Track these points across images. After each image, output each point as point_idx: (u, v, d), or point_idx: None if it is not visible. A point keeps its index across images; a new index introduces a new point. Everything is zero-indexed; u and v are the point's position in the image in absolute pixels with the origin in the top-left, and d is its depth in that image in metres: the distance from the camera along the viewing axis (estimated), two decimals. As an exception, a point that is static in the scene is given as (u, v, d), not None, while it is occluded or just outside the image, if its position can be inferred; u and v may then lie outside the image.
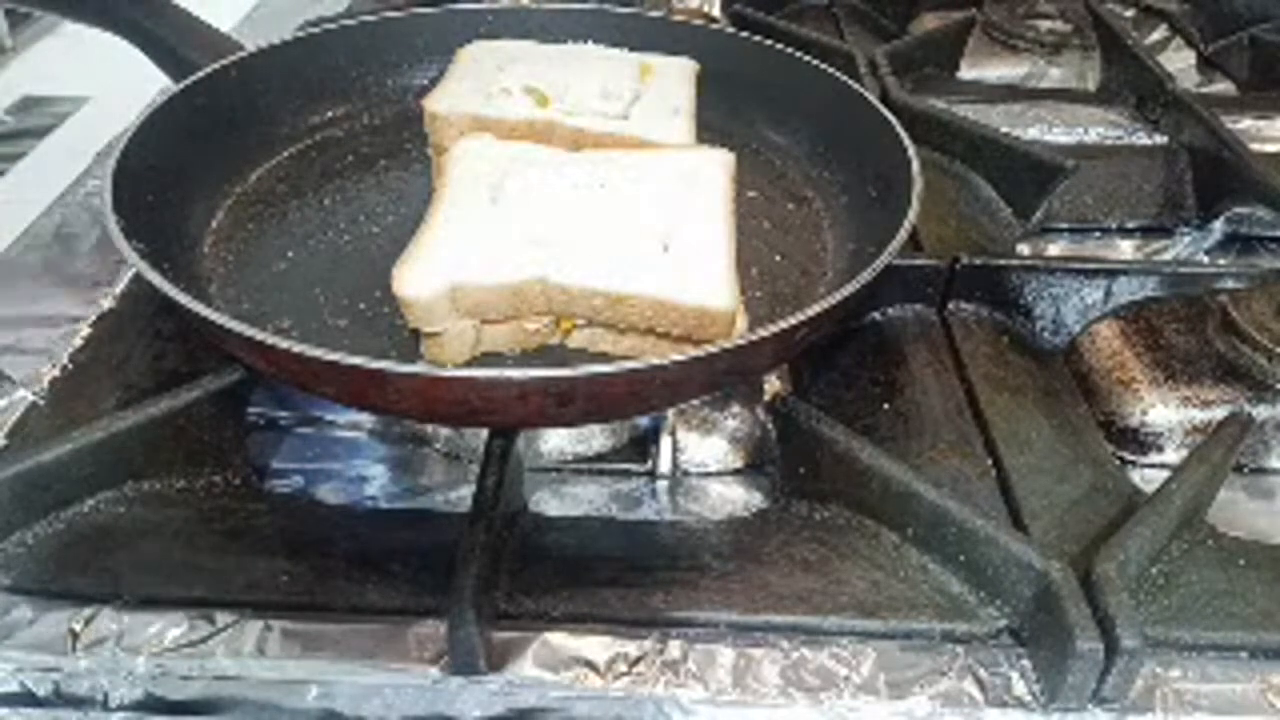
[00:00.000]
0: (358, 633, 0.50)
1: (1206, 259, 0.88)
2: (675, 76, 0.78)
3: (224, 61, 0.76)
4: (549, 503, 0.62)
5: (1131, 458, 0.66)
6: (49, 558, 0.53)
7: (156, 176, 0.66)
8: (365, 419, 0.67)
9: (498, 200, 0.62)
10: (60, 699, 0.50)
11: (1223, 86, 1.17)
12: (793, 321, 0.52)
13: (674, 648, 0.50)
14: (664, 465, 0.64)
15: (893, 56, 1.03)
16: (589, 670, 0.49)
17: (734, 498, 0.64)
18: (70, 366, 0.66)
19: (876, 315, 0.72)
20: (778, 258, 0.70)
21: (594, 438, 0.65)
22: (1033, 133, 0.97)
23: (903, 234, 0.59)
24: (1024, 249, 0.85)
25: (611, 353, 0.60)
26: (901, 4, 1.27)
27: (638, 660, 0.50)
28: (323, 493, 0.63)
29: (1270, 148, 0.95)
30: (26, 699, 0.50)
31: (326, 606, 0.52)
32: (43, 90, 1.17)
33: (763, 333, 0.51)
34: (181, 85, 0.73)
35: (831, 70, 0.79)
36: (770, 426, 0.63)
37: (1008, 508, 0.58)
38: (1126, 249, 0.90)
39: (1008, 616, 0.52)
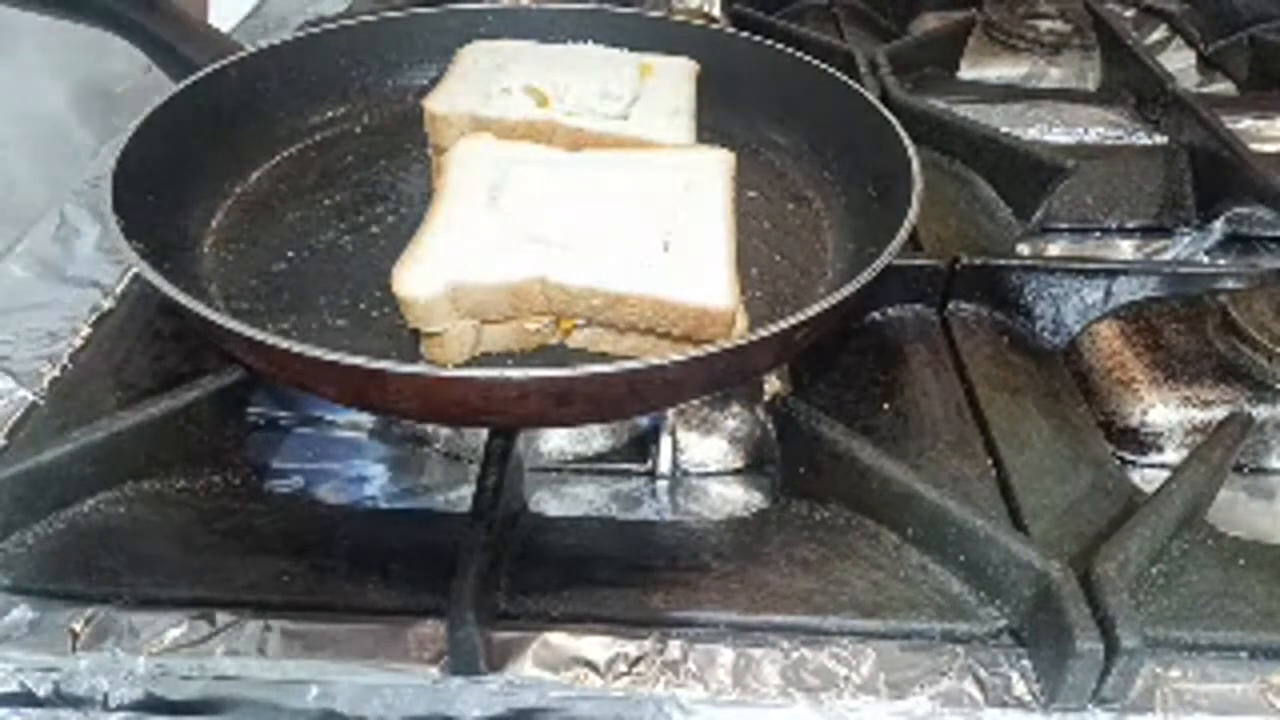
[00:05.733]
0: (358, 633, 0.50)
1: (1206, 259, 0.88)
2: (675, 76, 0.78)
3: (224, 61, 0.76)
4: (549, 503, 0.62)
5: (1131, 458, 0.66)
6: (49, 558, 0.53)
7: (156, 176, 0.66)
8: (365, 419, 0.67)
9: (498, 200, 0.62)
10: (60, 699, 0.50)
11: (1223, 86, 1.17)
12: (793, 321, 0.52)
13: (674, 648, 0.50)
14: (664, 465, 0.64)
15: (893, 56, 1.03)
16: (589, 670, 0.49)
17: (734, 498, 0.64)
18: (70, 366, 0.66)
19: (876, 315, 0.72)
20: (778, 258, 0.70)
21: (594, 438, 0.65)
22: (1033, 133, 0.97)
23: (903, 234, 0.59)
24: (1024, 249, 0.85)
25: (611, 353, 0.60)
26: (901, 4, 1.27)
27: (638, 660, 0.50)
28: (323, 493, 0.63)
29: (1270, 148, 0.94)
30: (26, 699, 0.50)
31: (326, 606, 0.52)
32: (43, 90, 1.17)
33: (763, 333, 0.51)
34: (181, 85, 0.73)
35: (831, 70, 0.79)
36: (770, 426, 0.63)
37: (1008, 508, 0.58)
38: (1126, 249, 0.90)
39: (1008, 616, 0.52)
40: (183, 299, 0.52)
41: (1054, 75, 1.17)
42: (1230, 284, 0.72)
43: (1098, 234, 0.90)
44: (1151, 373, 0.67)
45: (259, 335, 0.50)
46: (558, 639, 0.50)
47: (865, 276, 0.56)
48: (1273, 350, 0.66)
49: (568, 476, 0.64)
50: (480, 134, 0.68)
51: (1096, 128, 0.98)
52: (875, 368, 0.68)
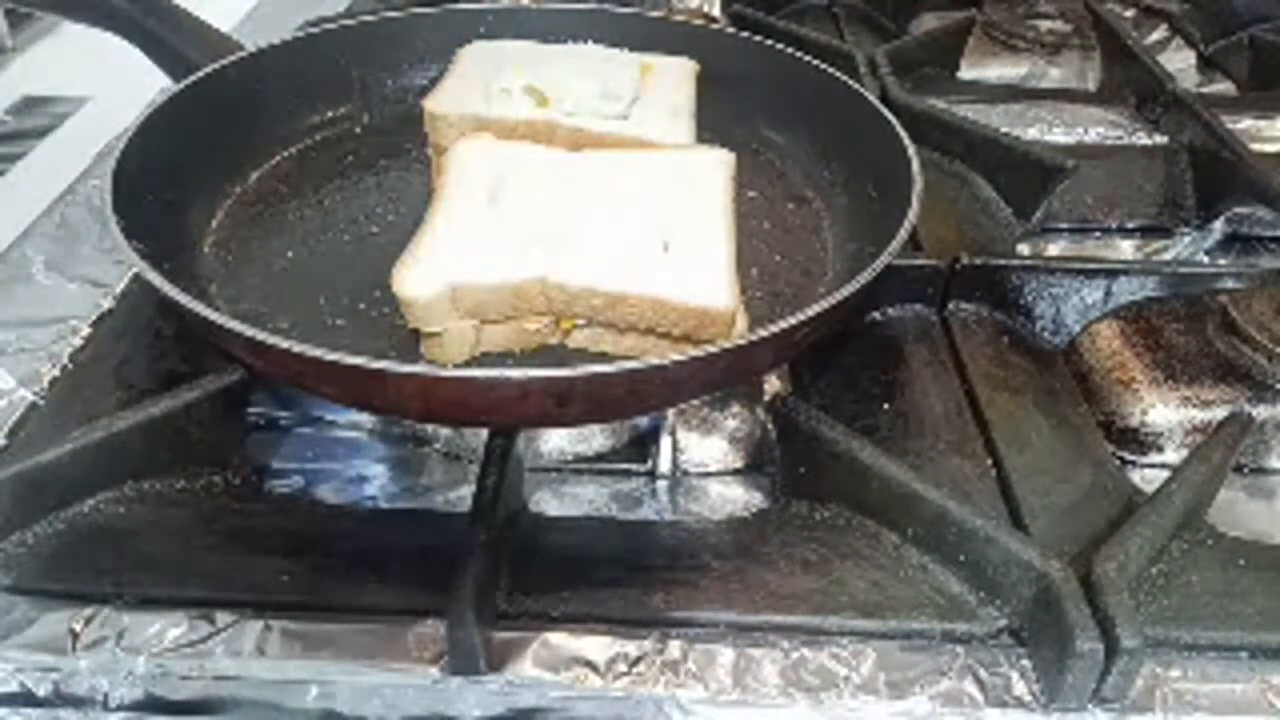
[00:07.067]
0: (358, 633, 0.50)
1: (1206, 259, 0.88)
2: (675, 76, 0.78)
3: (224, 61, 0.76)
4: (549, 503, 0.62)
5: (1131, 458, 0.66)
6: (49, 558, 0.53)
7: (156, 176, 0.66)
8: (365, 419, 0.67)
9: (497, 200, 0.62)
10: (60, 699, 0.50)
11: (1223, 86, 1.17)
12: (793, 321, 0.52)
13: (674, 648, 0.50)
14: (664, 465, 0.64)
15: (893, 56, 1.03)
16: (589, 670, 0.49)
17: (734, 498, 0.64)
18: (70, 366, 0.66)
19: (876, 315, 0.72)
20: (778, 258, 0.70)
21: (594, 438, 0.65)
22: (1033, 133, 0.97)
23: (903, 234, 0.59)
24: (1024, 249, 0.85)
25: (611, 353, 0.60)
26: (901, 4, 1.27)
27: (638, 660, 0.50)
28: (323, 493, 0.63)
29: (1270, 148, 0.94)
30: (26, 699, 0.50)
31: (326, 606, 0.52)
32: (43, 90, 1.17)
33: (763, 333, 0.51)
34: (181, 85, 0.73)
35: (831, 70, 0.79)
36: (770, 426, 0.63)
37: (1008, 508, 0.58)
38: (1126, 249, 0.90)
39: (1008, 616, 0.52)
40: (183, 299, 0.52)
41: (1054, 75, 1.17)
42: (1230, 284, 0.72)
43: (1098, 234, 0.90)
44: (1151, 373, 0.67)
45: (259, 335, 0.50)
46: (558, 639, 0.50)
47: (865, 276, 0.56)
48: (1273, 350, 0.66)
49: (568, 476, 0.64)
50: (480, 134, 0.68)
51: (1096, 128, 0.98)
52: (875, 368, 0.68)
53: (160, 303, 0.69)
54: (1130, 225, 0.90)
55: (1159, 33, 1.26)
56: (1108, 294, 0.71)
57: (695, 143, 0.72)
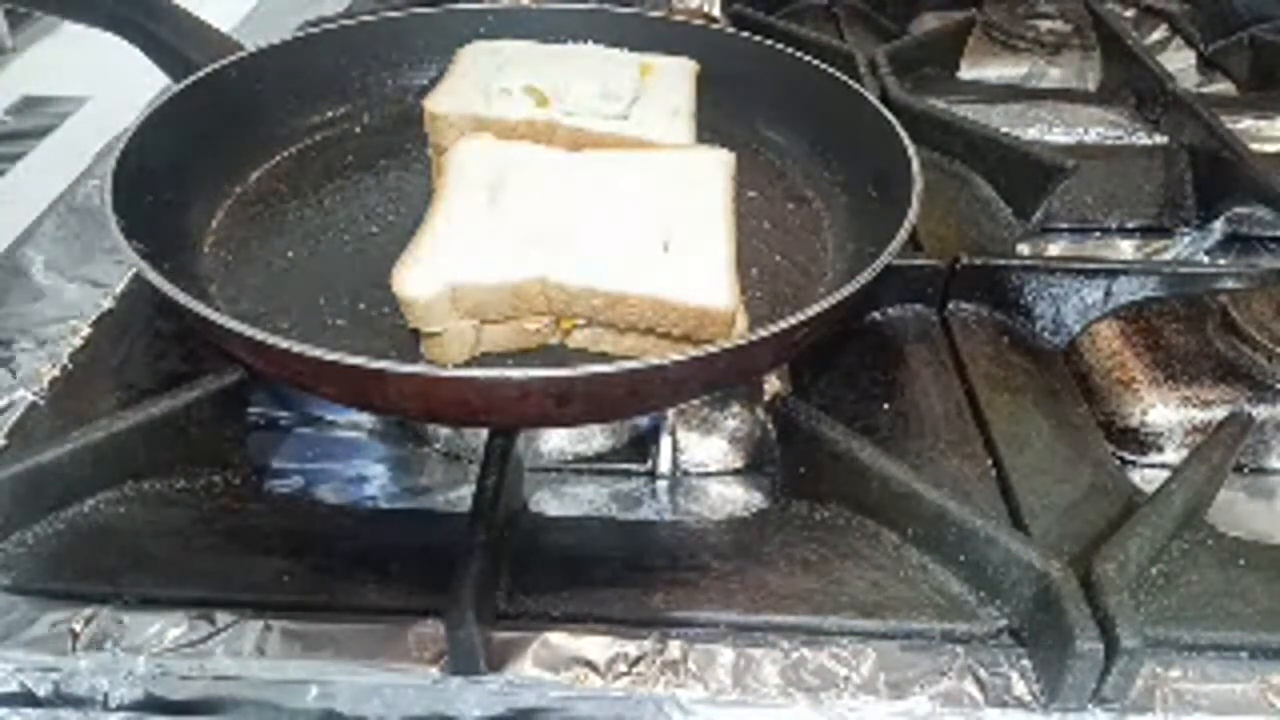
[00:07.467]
0: (358, 633, 0.50)
1: (1206, 259, 0.88)
2: (675, 76, 0.78)
3: (224, 61, 0.76)
4: (549, 503, 0.62)
5: (1131, 458, 0.66)
6: (49, 558, 0.53)
7: (156, 176, 0.66)
8: (365, 419, 0.67)
9: (497, 200, 0.62)
10: (60, 699, 0.50)
11: (1223, 86, 1.17)
12: (793, 321, 0.52)
13: (674, 648, 0.50)
14: (664, 465, 0.64)
15: (893, 56, 1.03)
16: (589, 670, 0.49)
17: (734, 498, 0.64)
18: (70, 366, 0.66)
19: (876, 315, 0.72)
20: (778, 258, 0.70)
21: (594, 438, 0.65)
22: (1033, 133, 0.97)
23: (903, 234, 0.59)
24: (1024, 249, 0.85)
25: (611, 353, 0.60)
26: (901, 4, 1.27)
27: (638, 660, 0.50)
28: (323, 493, 0.63)
29: (1270, 148, 0.94)
30: (26, 699, 0.50)
31: (326, 606, 0.52)
32: (43, 90, 1.17)
33: (763, 333, 0.51)
34: (181, 85, 0.73)
35: (831, 70, 0.79)
36: (770, 426, 0.63)
37: (1008, 508, 0.58)
38: (1126, 249, 0.90)
39: (1008, 616, 0.52)
40: (183, 299, 0.52)
41: (1054, 75, 1.17)
42: (1230, 284, 0.72)
43: (1098, 234, 0.90)
44: (1151, 373, 0.67)
45: (259, 335, 0.50)
46: (558, 639, 0.50)
47: (865, 276, 0.56)
48: (1273, 350, 0.66)
49: (568, 476, 0.64)
50: (480, 134, 0.68)
51: (1096, 128, 0.98)
52: (875, 368, 0.68)
53: (160, 303, 0.69)
54: (1130, 225, 0.90)
55: (1159, 33, 1.26)
56: (1108, 294, 0.71)
57: (695, 143, 0.72)
